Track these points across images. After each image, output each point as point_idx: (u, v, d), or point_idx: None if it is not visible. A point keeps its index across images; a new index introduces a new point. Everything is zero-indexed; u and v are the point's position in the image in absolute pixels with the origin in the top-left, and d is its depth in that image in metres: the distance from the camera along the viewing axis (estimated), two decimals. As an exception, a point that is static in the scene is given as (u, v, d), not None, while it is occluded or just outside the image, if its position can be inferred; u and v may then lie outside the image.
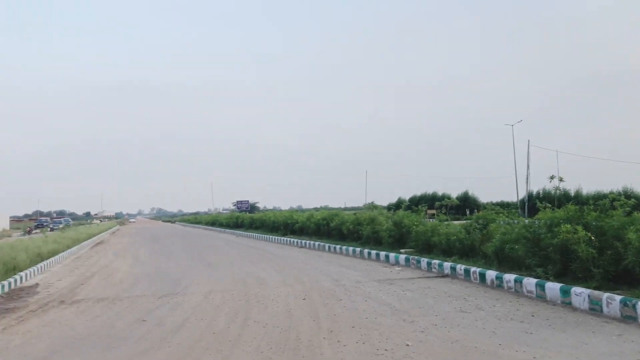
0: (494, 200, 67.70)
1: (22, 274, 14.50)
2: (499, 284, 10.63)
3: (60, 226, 50.09)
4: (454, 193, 69.72)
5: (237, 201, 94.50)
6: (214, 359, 6.19)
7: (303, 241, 25.17)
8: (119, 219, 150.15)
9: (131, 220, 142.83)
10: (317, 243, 23.22)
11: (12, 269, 14.73)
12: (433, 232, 15.97)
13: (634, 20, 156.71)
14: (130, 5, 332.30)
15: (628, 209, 10.78)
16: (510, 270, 11.23)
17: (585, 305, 8.24)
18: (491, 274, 11.03)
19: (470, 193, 70.01)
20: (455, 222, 19.64)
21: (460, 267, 12.33)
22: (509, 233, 12.13)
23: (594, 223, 10.02)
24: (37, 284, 13.88)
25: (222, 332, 7.54)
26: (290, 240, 27.12)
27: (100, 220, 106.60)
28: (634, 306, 7.40)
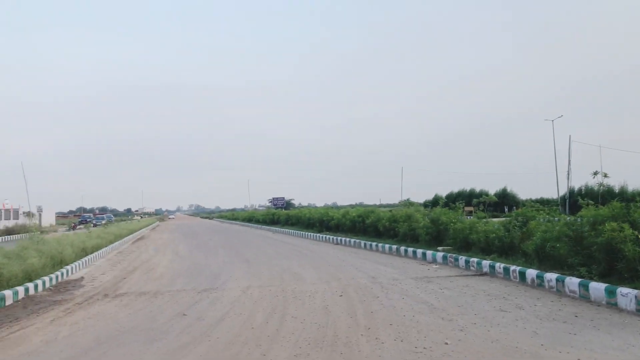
0: (534, 197, 66.07)
1: (68, 267, 15.03)
2: (539, 283, 10.40)
3: (103, 222, 51.52)
4: (492, 189, 68.41)
5: (273, 198, 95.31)
6: (253, 354, 6.27)
7: (338, 238, 25.19)
8: (159, 215, 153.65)
9: (170, 216, 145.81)
10: (352, 240, 23.21)
11: (59, 263, 15.29)
12: (471, 229, 15.73)
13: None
14: (162, 9, 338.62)
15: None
16: (551, 269, 10.97)
17: (632, 306, 7.97)
18: (532, 272, 10.80)
19: (508, 189, 68.50)
20: (494, 220, 19.28)
21: (500, 266, 12.11)
22: (550, 231, 11.84)
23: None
24: (82, 278, 14.36)
25: (260, 327, 7.64)
26: (325, 237, 27.18)
27: (141, 217, 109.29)
28: (684, 308, 7.12)
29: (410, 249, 17.39)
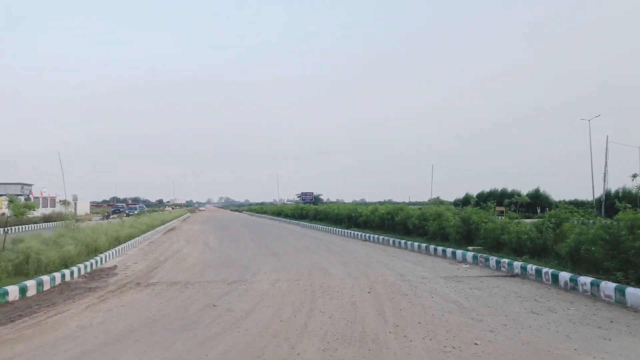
0: (567, 199, 64.69)
1: (102, 255, 15.42)
2: (573, 287, 10.18)
3: (135, 212, 52.61)
4: (524, 190, 67.23)
5: (302, 193, 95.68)
6: (282, 346, 6.33)
7: (367, 234, 25.14)
8: (189, 206, 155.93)
9: (201, 208, 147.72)
10: (381, 237, 23.12)
11: (94, 251, 15.72)
12: (503, 229, 15.49)
13: None
14: (205, 7, 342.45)
15: None
16: (585, 272, 10.72)
17: (670, 313, 7.73)
18: (565, 275, 10.57)
19: (541, 190, 67.25)
20: (526, 220, 18.94)
21: (532, 267, 11.90)
22: (584, 233, 11.57)
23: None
24: (115, 266, 14.71)
25: (289, 321, 7.70)
26: (353, 233, 27.16)
27: (172, 208, 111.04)
28: None
29: (439, 248, 17.24)
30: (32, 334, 7.10)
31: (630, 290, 8.70)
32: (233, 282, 11.59)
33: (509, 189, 68.28)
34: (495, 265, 13.57)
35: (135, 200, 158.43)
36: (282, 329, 7.18)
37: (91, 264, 13.88)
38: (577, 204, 51.44)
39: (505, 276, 12.28)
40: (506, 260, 13.19)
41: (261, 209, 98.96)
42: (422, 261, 15.42)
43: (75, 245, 14.13)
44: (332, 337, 6.74)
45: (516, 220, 16.81)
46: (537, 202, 63.80)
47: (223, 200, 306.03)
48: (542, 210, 54.41)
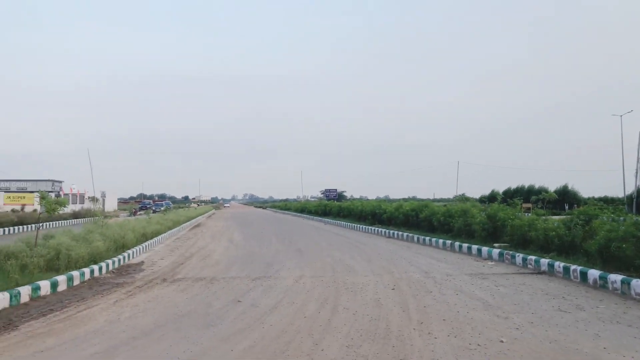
0: (597, 195, 63.34)
1: (130, 251, 15.69)
2: (602, 284, 9.97)
3: (162, 209, 53.31)
4: (552, 186, 66.07)
5: (325, 189, 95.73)
6: (306, 342, 6.36)
7: (391, 231, 25.03)
8: (214, 203, 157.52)
9: (225, 205, 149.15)
10: (405, 234, 23.00)
11: (122, 247, 16.01)
12: (530, 226, 15.26)
13: None
14: (230, 3, 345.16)
15: None
16: (616, 270, 10.50)
17: None
18: (594, 273, 10.36)
19: (570, 187, 65.99)
20: (554, 217, 18.63)
21: (559, 265, 11.70)
22: (615, 230, 11.31)
23: None
24: (142, 262, 14.96)
25: (312, 317, 7.73)
26: (377, 230, 27.07)
27: (198, 204, 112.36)
28: None
29: (465, 245, 17.07)
30: (63, 328, 7.28)
31: (662, 289, 8.48)
32: (257, 278, 11.68)
33: (536, 186, 67.18)
34: (521, 262, 13.38)
35: (162, 197, 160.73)
36: (305, 325, 7.21)
37: (119, 260, 14.14)
38: (607, 201, 50.28)
39: (532, 273, 12.10)
40: (533, 257, 13.00)
41: (285, 206, 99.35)
42: (446, 258, 15.30)
43: (104, 241, 14.42)
44: (356, 333, 6.75)
45: (543, 217, 16.55)
46: (565, 198, 62.59)
47: (247, 197, 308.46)
48: (570, 207, 53.37)
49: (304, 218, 53.26)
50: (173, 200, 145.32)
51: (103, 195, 71.68)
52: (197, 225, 36.79)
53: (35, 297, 9.34)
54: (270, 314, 8.00)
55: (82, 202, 65.25)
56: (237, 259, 15.40)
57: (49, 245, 12.04)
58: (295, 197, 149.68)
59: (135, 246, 17.03)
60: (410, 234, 22.39)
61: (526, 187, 68.08)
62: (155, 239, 20.90)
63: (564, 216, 16.91)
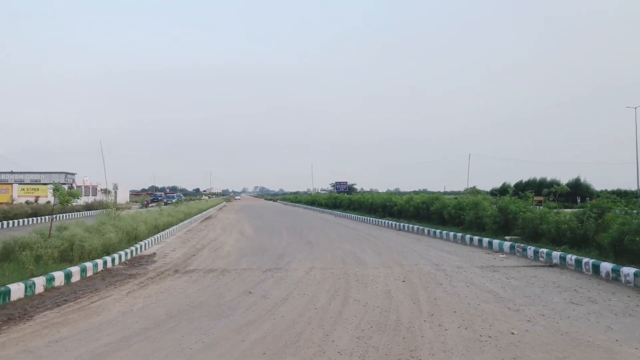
0: (610, 188, 62.74)
1: (142, 243, 15.83)
2: (615, 277, 9.91)
3: (173, 201, 53.65)
4: (564, 179, 65.53)
5: (336, 182, 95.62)
6: (316, 334, 6.40)
7: (401, 224, 25.00)
8: (225, 195, 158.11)
9: (236, 197, 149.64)
10: (416, 226, 22.97)
11: (134, 238, 16.15)
12: (542, 219, 15.17)
13: None
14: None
15: None
16: (629, 263, 10.42)
17: None
18: (606, 266, 10.30)
19: (582, 180, 65.40)
20: (566, 210, 18.49)
21: (571, 257, 11.63)
22: (628, 223, 11.22)
23: None
24: (154, 253, 15.09)
25: (323, 308, 7.76)
26: (388, 223, 27.05)
27: (209, 197, 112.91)
28: None
29: (476, 238, 17.02)
30: (77, 318, 7.38)
31: (675, 282, 8.42)
32: (268, 269, 11.74)
33: (548, 179, 66.63)
34: (533, 255, 13.32)
35: (173, 189, 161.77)
36: (316, 317, 7.25)
37: (131, 252, 14.28)
38: (620, 194, 49.87)
39: (543, 266, 12.04)
40: (544, 250, 12.93)
41: (295, 198, 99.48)
42: (457, 251, 15.27)
43: (117, 233, 14.56)
44: (367, 325, 6.77)
45: (555, 210, 16.44)
46: (577, 191, 62.01)
47: (258, 190, 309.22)
48: (583, 200, 52.89)
49: (314, 211, 53.33)
50: (184, 192, 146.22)
51: (115, 188, 72.21)
52: (208, 218, 36.99)
53: (49, 287, 9.47)
54: (281, 305, 8.04)
55: (94, 194, 65.85)
56: (248, 251, 15.49)
57: (62, 237, 12.19)
58: (305, 190, 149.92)
59: (147, 238, 17.18)
60: (421, 227, 22.35)
61: (538, 179, 67.55)
62: (167, 230, 21.06)
63: (576, 209, 16.78)
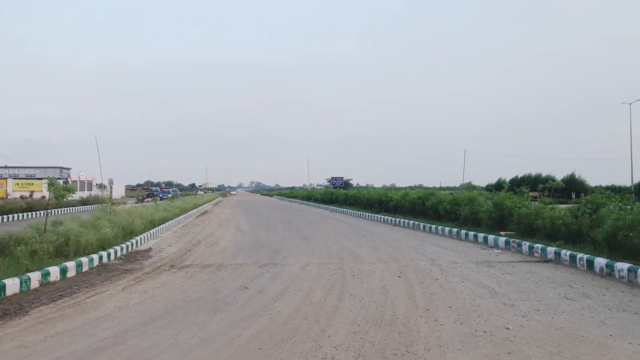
0: (604, 184, 63.00)
1: (138, 238, 15.80)
2: (609, 273, 9.97)
3: (169, 196, 53.44)
4: (559, 175, 65.79)
5: (332, 177, 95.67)
6: (312, 328, 6.41)
7: (397, 219, 25.06)
8: (221, 190, 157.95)
9: (232, 192, 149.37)
10: (411, 222, 23.02)
11: (130, 233, 16.12)
12: (537, 215, 15.23)
13: None
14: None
15: None
16: (623, 258, 10.49)
17: None
18: (601, 261, 10.36)
19: (577, 175, 65.67)
20: (561, 206, 18.58)
21: (566, 253, 11.69)
22: (622, 219, 11.28)
23: None
24: (150, 248, 15.07)
25: (319, 303, 7.78)
26: (384, 218, 27.10)
27: (204, 192, 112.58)
28: None
29: (471, 233, 17.07)
30: (73, 314, 7.38)
31: (669, 277, 8.48)
32: (264, 265, 11.75)
33: (543, 174, 66.92)
34: (528, 250, 13.38)
35: (169, 184, 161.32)
36: (312, 312, 7.26)
37: (127, 247, 14.25)
38: (615, 190, 49.97)
39: (538, 262, 12.10)
40: (539, 245, 12.99)
41: (291, 194, 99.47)
42: (452, 246, 15.32)
43: (112, 228, 14.53)
44: (363, 320, 6.80)
45: (550, 206, 16.50)
46: (572, 187, 62.31)
47: (254, 185, 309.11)
48: (577, 196, 53.12)
49: (310, 206, 53.35)
50: (180, 187, 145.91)
51: (111, 182, 72.04)
52: (204, 213, 36.95)
53: (45, 282, 9.45)
54: (277, 300, 8.06)
55: (90, 189, 65.62)
56: (244, 246, 15.49)
57: (58, 232, 12.16)
58: (301, 185, 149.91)
59: (143, 233, 17.15)
60: (417, 222, 22.41)
61: (533, 175, 67.82)
62: (163, 225, 21.03)
63: (571, 205, 16.86)
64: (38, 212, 31.10)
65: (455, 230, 18.35)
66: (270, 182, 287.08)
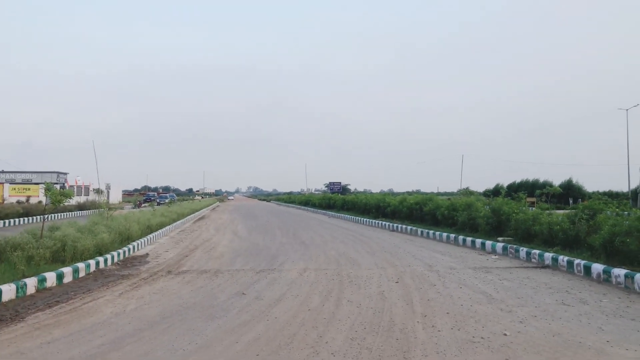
0: (601, 190, 63.11)
1: (135, 243, 15.77)
2: (606, 279, 9.98)
3: (166, 201, 53.40)
4: (556, 181, 65.89)
5: (330, 182, 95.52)
6: (310, 335, 6.40)
7: (395, 225, 25.05)
8: (219, 195, 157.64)
9: (230, 197, 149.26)
10: (409, 227, 23.02)
11: (127, 239, 16.08)
12: (534, 220, 15.26)
13: None
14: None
15: None
16: (620, 264, 10.49)
17: None
18: (598, 267, 10.37)
19: (574, 181, 65.78)
20: (558, 212, 18.60)
21: (563, 259, 11.70)
22: (619, 225, 11.30)
23: None
24: (147, 254, 15.03)
25: (317, 309, 7.77)
26: (381, 224, 27.10)
27: (202, 197, 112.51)
28: None
29: (469, 239, 17.08)
30: (69, 320, 7.35)
31: (666, 283, 8.49)
32: (262, 270, 11.73)
33: (541, 180, 67.00)
34: (525, 256, 13.39)
35: (166, 189, 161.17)
36: (310, 318, 7.25)
37: (124, 252, 14.22)
38: (612, 195, 50.09)
39: (535, 267, 12.11)
40: (537, 251, 13.00)
41: (289, 199, 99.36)
42: (450, 252, 15.32)
43: (109, 233, 14.49)
44: (360, 326, 6.78)
45: (548, 211, 16.54)
46: (569, 193, 62.34)
47: (251, 190, 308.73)
48: (575, 202, 53.19)
49: (308, 211, 53.33)
50: (177, 192, 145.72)
51: (108, 187, 71.83)
52: (201, 218, 36.90)
53: (41, 288, 9.41)
54: (275, 306, 8.04)
55: (87, 194, 65.50)
56: (242, 252, 15.46)
57: (54, 237, 12.12)
58: (299, 190, 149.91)
59: (140, 238, 17.11)
60: (414, 228, 22.41)
61: (531, 181, 67.91)
62: (160, 231, 20.99)
63: (569, 210, 16.88)
64: (35, 217, 31.00)
65: (452, 235, 18.35)
66: (268, 187, 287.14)
